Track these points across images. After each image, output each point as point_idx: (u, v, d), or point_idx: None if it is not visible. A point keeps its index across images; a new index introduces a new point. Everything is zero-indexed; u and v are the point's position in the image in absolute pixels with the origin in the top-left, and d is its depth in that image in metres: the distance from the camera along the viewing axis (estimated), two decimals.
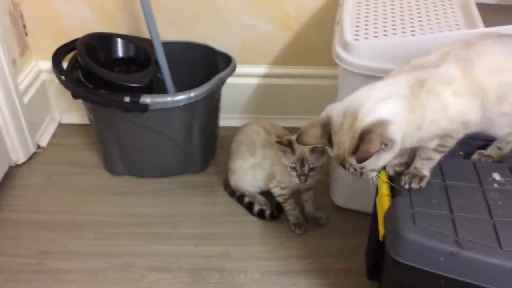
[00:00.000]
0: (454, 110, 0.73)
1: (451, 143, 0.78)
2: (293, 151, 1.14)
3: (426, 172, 0.82)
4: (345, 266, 1.21)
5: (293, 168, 1.16)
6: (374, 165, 0.74)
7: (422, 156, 0.81)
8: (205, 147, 1.48)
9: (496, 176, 0.84)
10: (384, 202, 0.84)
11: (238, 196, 1.37)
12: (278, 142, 1.16)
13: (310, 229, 1.30)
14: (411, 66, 0.79)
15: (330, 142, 0.76)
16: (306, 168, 1.14)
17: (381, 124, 0.69)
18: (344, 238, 1.28)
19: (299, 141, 0.78)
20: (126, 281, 1.15)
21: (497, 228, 0.74)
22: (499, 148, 0.88)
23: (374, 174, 0.77)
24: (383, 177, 0.89)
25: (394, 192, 0.85)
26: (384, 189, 0.87)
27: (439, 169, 0.85)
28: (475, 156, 0.90)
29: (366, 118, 0.70)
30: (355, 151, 0.71)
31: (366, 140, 0.68)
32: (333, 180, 1.35)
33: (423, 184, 0.81)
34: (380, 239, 0.84)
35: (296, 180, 1.16)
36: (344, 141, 0.72)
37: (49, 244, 1.24)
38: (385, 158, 0.73)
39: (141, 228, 1.30)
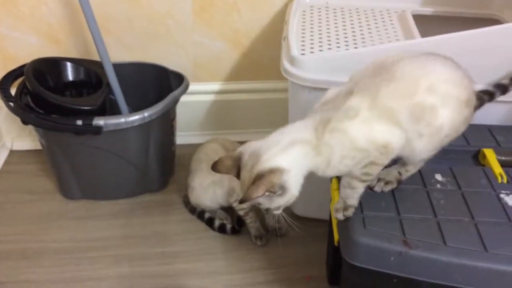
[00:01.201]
0: (363, 140, 0.75)
1: (375, 170, 0.79)
2: None
3: (352, 201, 0.83)
4: (306, 274, 1.23)
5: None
6: (270, 205, 0.77)
7: (345, 185, 0.83)
8: (163, 166, 1.48)
9: (438, 177, 0.90)
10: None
11: (199, 213, 1.38)
12: None
13: (271, 240, 1.33)
14: (322, 102, 0.81)
15: (238, 176, 0.79)
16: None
17: (273, 172, 0.73)
18: (305, 247, 1.31)
19: (213, 168, 0.80)
20: None
21: (441, 226, 0.79)
22: (399, 173, 0.88)
23: (278, 212, 0.81)
24: (334, 185, 0.93)
25: None
26: (336, 196, 0.90)
27: None
28: (377, 187, 0.88)
29: (264, 164, 0.74)
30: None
31: (254, 184, 0.73)
32: None
33: (348, 214, 0.83)
34: (335, 244, 0.88)
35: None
36: (244, 179, 0.76)
37: (4, 275, 1.20)
38: (279, 202, 0.76)
39: (101, 251, 1.28)
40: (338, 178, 0.95)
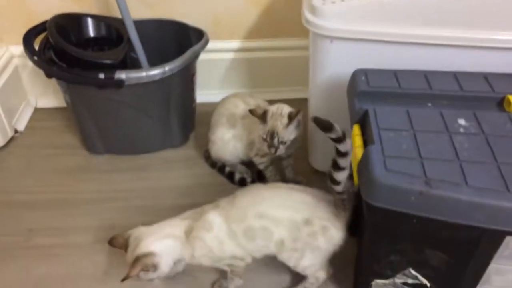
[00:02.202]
0: (216, 251, 0.98)
1: (238, 266, 1.02)
2: (265, 122, 1.16)
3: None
4: None
5: (264, 139, 1.18)
6: (145, 278, 0.96)
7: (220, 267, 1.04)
8: (184, 121, 1.50)
9: (462, 121, 0.89)
10: (357, 153, 0.88)
11: (219, 167, 1.40)
12: (250, 111, 1.18)
13: None
14: (192, 212, 1.03)
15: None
16: (275, 141, 1.15)
17: (147, 256, 0.93)
18: None
19: (109, 243, 1.01)
20: (114, 252, 1.17)
21: (463, 167, 0.79)
22: None
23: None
24: (356, 131, 0.93)
25: (366, 143, 0.90)
26: (357, 141, 0.91)
27: (408, 119, 0.90)
28: None
29: (142, 249, 0.95)
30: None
31: (132, 264, 0.93)
32: (310, 146, 1.39)
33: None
34: (355, 185, 0.88)
35: (267, 150, 1.19)
36: (128, 258, 0.97)
37: (33, 222, 1.25)
38: (152, 276, 0.95)
39: (124, 202, 1.32)
40: (361, 126, 0.95)
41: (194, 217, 1.01)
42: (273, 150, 1.17)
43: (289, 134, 1.16)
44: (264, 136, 1.17)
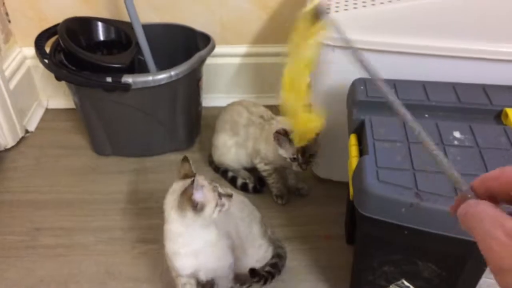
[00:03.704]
0: None
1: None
2: (290, 141, 1.15)
3: None
4: (326, 233, 1.26)
5: (294, 159, 1.17)
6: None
7: None
8: (190, 125, 1.52)
9: (457, 134, 0.89)
10: (352, 163, 0.89)
11: (222, 171, 1.42)
12: (278, 132, 1.15)
13: (293, 200, 1.35)
14: None
15: None
16: (307, 156, 1.16)
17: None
18: (325, 207, 1.33)
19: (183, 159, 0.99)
20: (116, 253, 1.20)
21: None
22: None
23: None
24: (352, 140, 0.94)
25: (362, 153, 0.91)
26: (353, 151, 0.92)
27: (404, 130, 0.91)
28: None
29: None
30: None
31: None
32: None
33: None
34: (351, 198, 0.89)
35: (298, 169, 1.18)
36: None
37: (40, 222, 1.29)
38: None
39: (130, 204, 1.34)
40: (356, 135, 0.96)
41: None
42: (305, 167, 1.17)
43: (315, 146, 1.17)
44: (294, 156, 1.16)
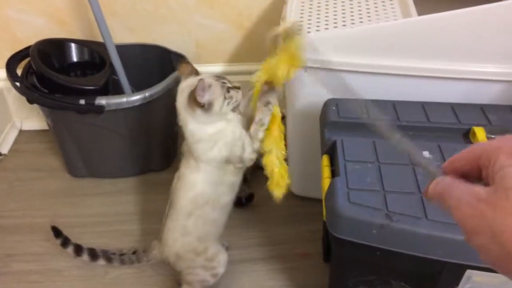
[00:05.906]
0: None
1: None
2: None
3: None
4: (303, 251, 1.26)
5: None
6: None
7: None
8: (165, 146, 1.51)
9: (426, 154, 0.91)
10: (325, 184, 0.90)
11: None
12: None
13: (269, 218, 1.36)
14: None
15: None
16: None
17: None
18: (302, 225, 1.33)
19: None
20: (90, 279, 1.18)
21: (423, 201, 0.80)
22: None
23: None
24: (325, 161, 0.95)
25: (334, 174, 0.92)
26: (325, 172, 0.93)
27: (374, 151, 0.92)
28: None
29: None
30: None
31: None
32: (290, 171, 1.41)
33: None
34: (324, 218, 0.90)
35: None
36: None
37: (13, 247, 1.26)
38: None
39: (105, 227, 1.33)
40: (329, 156, 0.97)
41: None
42: None
43: None
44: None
